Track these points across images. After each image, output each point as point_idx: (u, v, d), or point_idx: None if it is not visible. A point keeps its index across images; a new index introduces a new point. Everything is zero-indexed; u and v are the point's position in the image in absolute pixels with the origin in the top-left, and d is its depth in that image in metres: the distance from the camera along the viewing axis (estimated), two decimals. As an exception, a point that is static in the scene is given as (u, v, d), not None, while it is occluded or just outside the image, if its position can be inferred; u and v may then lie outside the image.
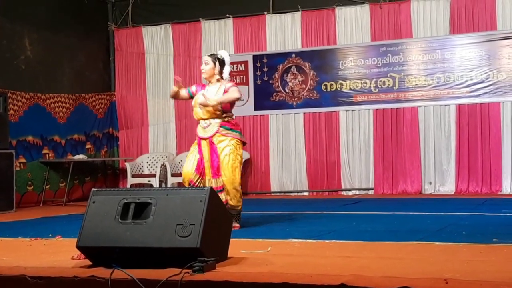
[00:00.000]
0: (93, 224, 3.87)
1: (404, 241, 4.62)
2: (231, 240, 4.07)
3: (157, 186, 10.12)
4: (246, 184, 10.54)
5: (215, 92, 5.79)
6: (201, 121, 5.87)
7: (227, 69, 5.92)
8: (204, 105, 5.75)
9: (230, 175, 5.75)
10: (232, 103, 5.89)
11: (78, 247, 3.86)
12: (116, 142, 11.32)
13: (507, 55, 9.24)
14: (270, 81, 10.51)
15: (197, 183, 5.81)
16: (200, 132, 5.87)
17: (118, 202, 3.88)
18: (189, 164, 5.86)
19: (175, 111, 10.97)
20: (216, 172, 5.76)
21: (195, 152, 5.88)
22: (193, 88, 6.01)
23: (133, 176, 10.51)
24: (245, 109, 10.58)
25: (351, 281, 3.10)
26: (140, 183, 10.47)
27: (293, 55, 10.38)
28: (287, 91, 10.42)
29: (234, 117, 5.99)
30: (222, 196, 5.69)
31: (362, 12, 9.99)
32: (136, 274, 3.38)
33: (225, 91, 5.79)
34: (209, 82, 5.91)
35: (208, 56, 5.92)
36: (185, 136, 10.92)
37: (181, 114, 10.94)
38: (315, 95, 10.21)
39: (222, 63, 5.90)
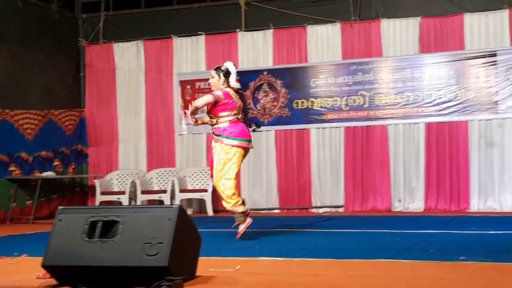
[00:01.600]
0: (59, 243, 3.82)
1: (373, 258, 4.63)
2: (200, 258, 4.04)
3: (127, 203, 10.02)
4: (217, 202, 10.48)
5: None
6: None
7: (233, 78, 6.38)
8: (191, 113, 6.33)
9: (215, 179, 6.26)
10: (219, 108, 6.25)
11: (43, 266, 3.80)
12: (85, 159, 11.20)
13: (475, 74, 9.39)
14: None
15: None
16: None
17: (85, 220, 3.83)
18: None
19: (146, 128, 10.90)
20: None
21: None
22: (220, 94, 6.28)
23: (102, 193, 10.40)
24: (217, 126, 10.56)
25: (319, 299, 3.09)
26: (109, 201, 10.35)
27: (265, 73, 10.42)
28: (258, 108, 10.43)
29: (227, 120, 6.28)
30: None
31: (333, 31, 10.07)
32: (102, 293, 3.33)
33: None
34: None
35: (213, 70, 6.45)
36: (156, 152, 10.86)
37: (152, 130, 10.89)
38: (286, 112, 10.24)
39: (226, 74, 6.36)
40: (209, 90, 10.57)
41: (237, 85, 6.40)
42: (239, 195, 6.34)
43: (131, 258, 3.64)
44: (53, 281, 3.80)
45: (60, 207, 3.99)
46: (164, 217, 3.73)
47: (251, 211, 10.24)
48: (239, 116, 6.33)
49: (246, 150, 6.32)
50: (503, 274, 3.91)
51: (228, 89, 6.33)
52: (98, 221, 3.81)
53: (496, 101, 9.28)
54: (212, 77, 6.40)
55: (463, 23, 9.46)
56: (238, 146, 6.20)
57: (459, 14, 9.49)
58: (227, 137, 6.19)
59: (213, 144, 6.30)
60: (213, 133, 6.31)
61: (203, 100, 6.33)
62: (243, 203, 6.34)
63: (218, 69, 6.41)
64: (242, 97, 6.44)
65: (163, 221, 3.71)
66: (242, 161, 6.30)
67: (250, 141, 6.37)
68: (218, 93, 6.26)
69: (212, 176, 6.40)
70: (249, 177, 10.43)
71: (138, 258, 3.62)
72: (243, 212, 6.26)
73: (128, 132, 11.00)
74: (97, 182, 10.47)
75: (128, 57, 11.04)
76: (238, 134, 6.23)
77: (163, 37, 10.84)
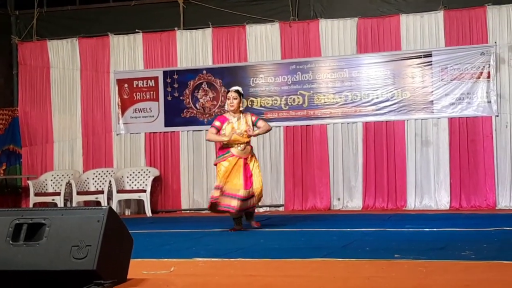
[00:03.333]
0: (-18, 247, 3.64)
1: (309, 258, 4.61)
2: (133, 260, 3.94)
3: (62, 205, 9.77)
4: (156, 202, 10.36)
5: (245, 122, 7.15)
6: (238, 145, 7.10)
7: (243, 101, 7.60)
8: (249, 136, 7.17)
9: (260, 184, 7.17)
10: None
11: (-35, 271, 3.61)
12: (18, 159, 10.85)
13: (411, 75, 9.54)
14: (181, 97, 10.39)
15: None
16: (239, 153, 7.11)
17: (9, 223, 3.68)
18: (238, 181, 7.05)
19: (81, 127, 10.65)
20: (248, 184, 7.06)
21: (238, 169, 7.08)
22: (218, 124, 7.23)
23: (36, 194, 10.10)
24: (155, 125, 10.43)
25: (252, 301, 3.04)
26: (44, 202, 10.06)
27: (204, 72, 10.33)
28: (198, 107, 10.34)
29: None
30: (252, 200, 7.15)
31: (272, 30, 10.07)
32: (27, 299, 3.19)
33: (253, 122, 7.22)
34: (232, 113, 7.18)
35: (234, 91, 7.18)
36: (93, 153, 10.61)
37: (88, 130, 10.64)
38: (226, 111, 10.14)
39: (242, 95, 7.31)
40: (147, 89, 10.54)
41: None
42: None
43: (58, 261, 3.51)
44: (-24, 287, 3.63)
45: (-17, 210, 3.81)
46: (92, 219, 3.61)
47: (191, 211, 10.23)
48: None
49: None
50: (435, 271, 3.94)
51: None
52: (23, 223, 3.67)
53: (432, 101, 9.46)
54: (235, 98, 7.13)
55: (399, 23, 9.60)
56: None
57: (395, 15, 9.62)
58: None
59: (250, 159, 7.17)
60: (251, 149, 7.26)
61: (268, 128, 7.37)
62: None
63: (238, 91, 7.21)
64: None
65: (92, 223, 3.59)
66: None
67: None
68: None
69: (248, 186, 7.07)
70: (189, 178, 10.32)
71: (65, 262, 3.50)
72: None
73: (63, 132, 10.73)
74: (30, 183, 10.16)
75: (63, 55, 10.76)
76: None
77: (99, 35, 10.61)
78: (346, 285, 3.45)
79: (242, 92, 7.35)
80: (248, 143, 7.17)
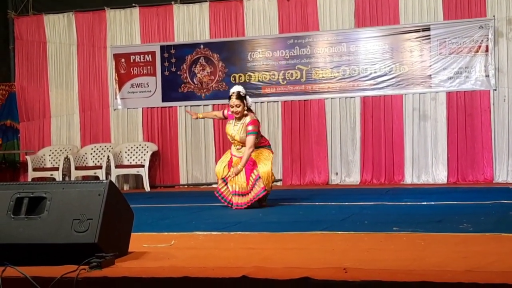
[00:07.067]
0: (-17, 221, 3.65)
1: (308, 231, 4.64)
2: (134, 234, 3.95)
3: (60, 179, 9.79)
4: (154, 177, 10.39)
5: (239, 129, 6.62)
6: (235, 146, 6.74)
7: (249, 100, 6.72)
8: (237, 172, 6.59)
9: (265, 168, 6.57)
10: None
11: (-34, 245, 3.63)
12: (16, 135, 10.86)
13: (409, 49, 9.52)
14: (178, 72, 10.37)
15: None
16: (235, 152, 6.74)
17: (10, 197, 3.68)
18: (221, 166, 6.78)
19: (79, 103, 10.64)
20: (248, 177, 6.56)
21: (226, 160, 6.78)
22: (226, 112, 6.89)
23: (35, 169, 10.12)
24: (153, 100, 10.42)
25: (252, 273, 3.07)
26: (42, 177, 10.09)
27: (202, 46, 10.28)
28: (195, 82, 10.31)
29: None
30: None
31: (270, 4, 10.02)
32: (29, 271, 3.23)
33: (247, 125, 6.59)
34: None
35: (236, 98, 6.55)
36: (90, 128, 10.63)
37: (85, 105, 10.64)
38: (223, 86, 10.15)
39: (245, 98, 6.64)
40: (144, 64, 10.49)
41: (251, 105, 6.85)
42: None
43: (59, 235, 3.52)
44: (-22, 260, 3.64)
45: (-17, 184, 3.82)
46: (93, 193, 3.61)
47: (190, 186, 10.26)
48: None
49: None
50: (434, 243, 3.97)
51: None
52: (24, 197, 3.67)
53: (430, 75, 9.45)
54: (238, 106, 6.56)
55: (398, -3, 9.57)
56: None
57: (393, -12, 9.58)
58: None
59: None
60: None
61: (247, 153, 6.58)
62: None
63: (240, 96, 6.58)
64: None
65: (93, 197, 3.60)
66: None
67: None
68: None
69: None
70: (187, 153, 10.33)
71: (67, 235, 3.51)
72: None
73: (61, 107, 10.73)
74: (29, 158, 10.18)
75: (59, 30, 10.71)
76: None
77: (96, 9, 10.56)
78: (345, 257, 3.48)
79: (245, 92, 6.70)
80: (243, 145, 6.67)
